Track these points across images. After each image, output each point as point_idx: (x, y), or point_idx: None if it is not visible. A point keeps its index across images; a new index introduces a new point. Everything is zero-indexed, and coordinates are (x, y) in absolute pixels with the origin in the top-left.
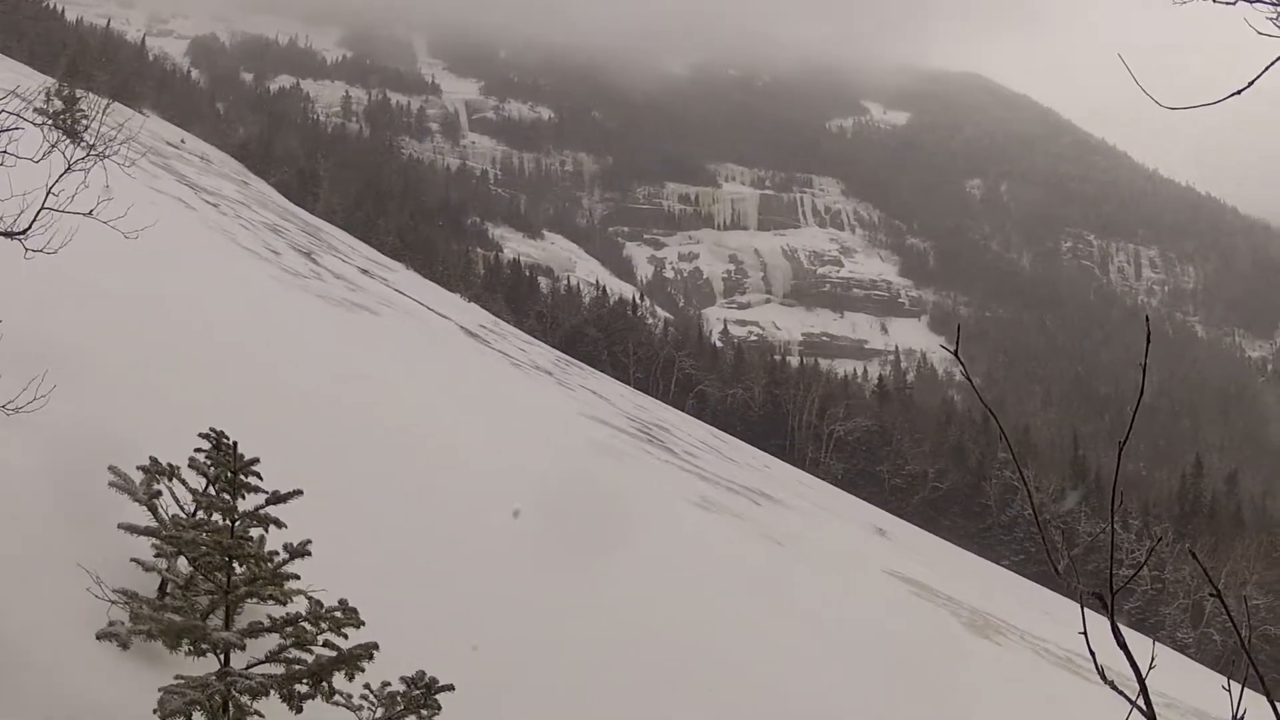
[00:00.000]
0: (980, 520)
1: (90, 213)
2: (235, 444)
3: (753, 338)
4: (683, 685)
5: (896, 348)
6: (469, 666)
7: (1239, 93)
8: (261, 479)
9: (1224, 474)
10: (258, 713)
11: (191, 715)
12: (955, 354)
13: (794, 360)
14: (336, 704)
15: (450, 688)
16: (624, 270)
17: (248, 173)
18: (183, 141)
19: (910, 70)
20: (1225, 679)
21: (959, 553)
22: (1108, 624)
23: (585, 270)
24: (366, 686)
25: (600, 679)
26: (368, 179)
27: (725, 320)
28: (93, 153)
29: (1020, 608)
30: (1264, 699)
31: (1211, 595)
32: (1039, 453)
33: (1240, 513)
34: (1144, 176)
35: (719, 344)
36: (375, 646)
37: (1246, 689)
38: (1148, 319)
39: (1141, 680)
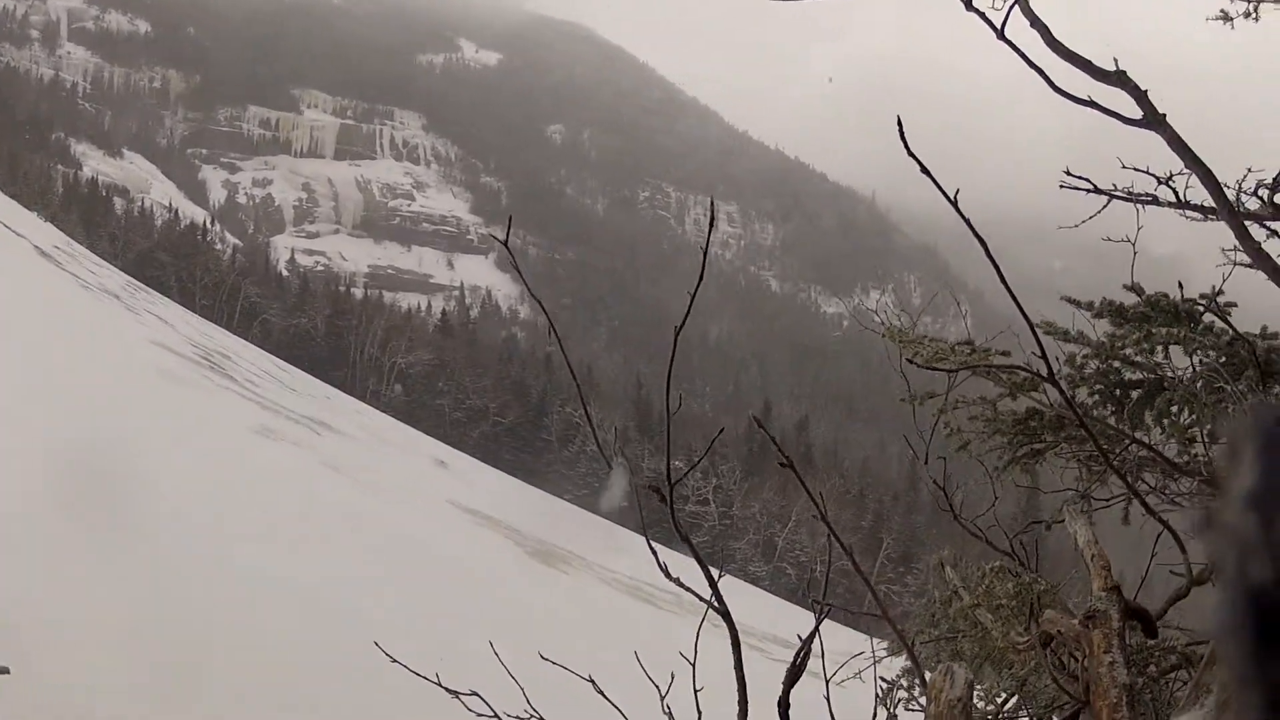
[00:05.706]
0: (542, 455)
1: None
2: None
3: (319, 268)
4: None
5: (462, 284)
6: None
7: None
8: None
9: (795, 420)
10: None
11: None
12: (505, 244)
13: (359, 292)
14: None
15: (5, 670)
16: (199, 194)
17: None
18: None
19: (510, 11)
20: (809, 599)
21: (522, 486)
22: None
23: (160, 193)
24: None
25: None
26: None
27: (294, 249)
28: None
29: (586, 540)
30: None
31: (783, 465)
32: (602, 392)
33: (811, 455)
34: (733, 136)
35: (286, 273)
36: None
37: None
38: (710, 211)
39: (712, 580)
